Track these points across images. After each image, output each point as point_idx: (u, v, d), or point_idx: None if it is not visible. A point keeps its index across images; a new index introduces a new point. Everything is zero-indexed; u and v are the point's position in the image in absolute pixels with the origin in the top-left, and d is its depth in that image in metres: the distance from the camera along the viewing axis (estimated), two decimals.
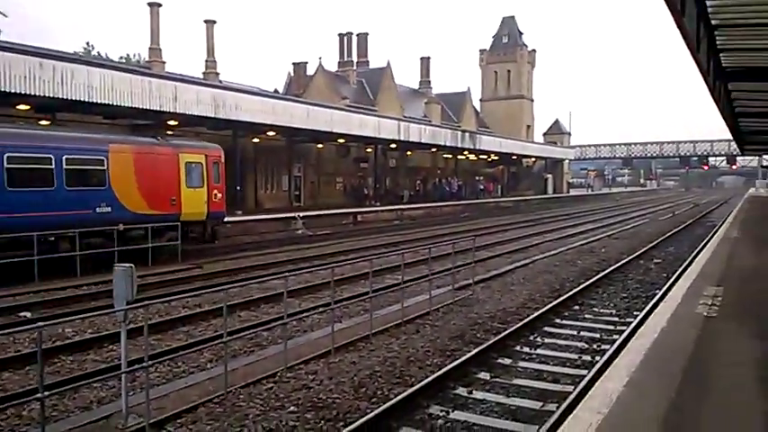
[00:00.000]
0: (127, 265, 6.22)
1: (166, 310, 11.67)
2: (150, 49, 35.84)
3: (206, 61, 39.30)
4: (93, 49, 63.57)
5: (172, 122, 24.40)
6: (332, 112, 30.36)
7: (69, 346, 9.46)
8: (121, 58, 60.05)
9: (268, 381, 7.69)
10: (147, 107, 20.56)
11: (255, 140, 30.47)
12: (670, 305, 7.85)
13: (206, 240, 19.80)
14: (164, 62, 35.34)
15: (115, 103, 19.74)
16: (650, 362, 5.32)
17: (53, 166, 15.27)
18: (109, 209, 16.44)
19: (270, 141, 32.19)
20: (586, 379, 7.42)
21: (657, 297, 9.87)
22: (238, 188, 27.28)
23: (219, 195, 19.75)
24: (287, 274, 9.56)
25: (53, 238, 15.24)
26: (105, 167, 16.41)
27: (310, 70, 52.21)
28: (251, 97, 25.57)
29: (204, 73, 38.52)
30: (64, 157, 15.48)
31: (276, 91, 50.19)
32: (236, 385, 7.41)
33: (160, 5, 35.13)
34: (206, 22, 39.25)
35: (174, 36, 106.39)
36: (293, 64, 54.16)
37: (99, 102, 19.27)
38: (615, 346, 8.60)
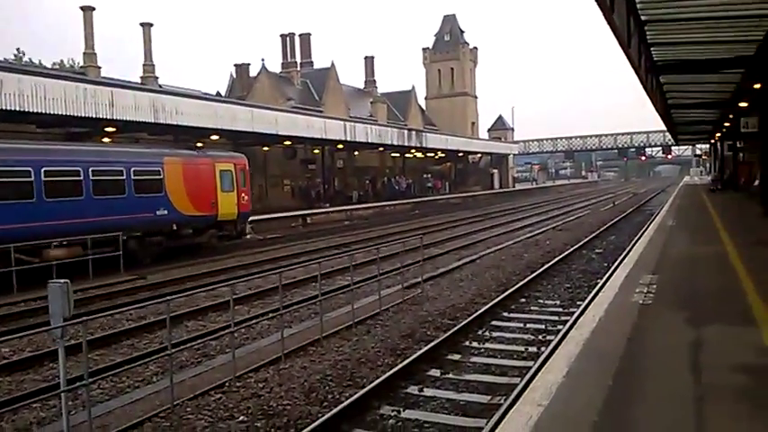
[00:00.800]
0: (62, 281, 6.00)
1: (110, 323, 11.31)
2: (85, 54, 34.76)
3: (144, 65, 38.33)
4: (24, 55, 61.03)
5: (110, 129, 23.69)
6: (276, 114, 30.05)
7: (7, 366, 9.07)
8: (55, 64, 57.93)
9: (216, 391, 7.55)
10: (83, 114, 19.87)
11: (199, 145, 29.84)
12: (608, 294, 8.13)
13: (236, 236, 23.13)
14: (99, 67, 34.32)
15: (48, 112, 19.00)
16: (588, 352, 5.50)
17: (125, 177, 18.50)
18: (166, 212, 19.72)
19: (214, 146, 31.61)
20: (532, 370, 7.60)
21: (598, 287, 10.19)
22: None
23: (246, 197, 23.02)
24: (234, 281, 9.41)
25: (125, 237, 17.80)
26: (162, 177, 19.65)
27: (253, 72, 51.63)
28: (191, 101, 25.02)
29: (142, 77, 37.56)
30: (132, 170, 18.70)
31: (218, 93, 49.37)
32: (183, 398, 7.25)
33: (93, 9, 34.04)
34: (142, 25, 38.30)
35: (110, 40, 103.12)
36: (235, 65, 53.51)
37: (31, 111, 18.50)
38: (559, 336, 8.84)
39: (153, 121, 22.14)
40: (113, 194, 18.07)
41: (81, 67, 36.92)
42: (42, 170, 16.11)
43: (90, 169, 17.44)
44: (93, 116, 20.28)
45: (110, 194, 17.97)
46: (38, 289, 12.48)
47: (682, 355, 5.48)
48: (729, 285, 8.61)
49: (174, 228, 20.12)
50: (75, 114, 19.68)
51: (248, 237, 24.92)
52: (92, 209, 17.23)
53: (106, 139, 24.58)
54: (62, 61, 59.84)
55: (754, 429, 4.04)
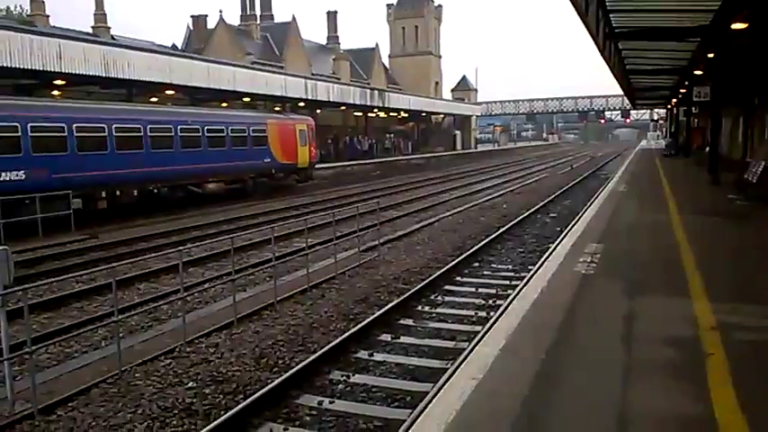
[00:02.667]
0: (1, 248, 5.84)
1: (59, 285, 11.08)
2: (32, 1, 32.92)
3: (95, 14, 36.64)
4: None
5: (59, 82, 22.75)
6: (235, 70, 29.25)
7: None
8: (0, 11, 54.82)
9: (166, 357, 7.55)
10: (29, 67, 18.97)
11: (153, 100, 28.95)
12: (553, 264, 8.34)
13: (307, 179, 30.69)
14: (47, 16, 32.71)
15: None
16: (527, 324, 5.67)
17: (247, 135, 26.15)
18: (269, 160, 27.36)
19: (170, 101, 30.73)
20: (479, 335, 7.82)
21: (545, 256, 10.43)
22: None
23: (314, 150, 30.88)
24: (183, 247, 9.30)
25: (245, 179, 26.43)
26: (266, 135, 27.21)
27: (211, 24, 49.98)
28: (144, 54, 24.07)
29: (93, 27, 35.99)
30: (251, 128, 26.43)
31: (174, 46, 47.76)
32: (132, 363, 7.24)
33: None
34: None
35: None
36: (192, 17, 51.73)
37: None
38: (500, 309, 9.07)
39: (104, 74, 21.30)
40: (241, 147, 25.69)
41: (28, 15, 35.09)
42: (206, 128, 23.95)
43: (229, 128, 25.12)
44: (41, 69, 19.39)
45: (239, 147, 25.50)
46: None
47: (615, 327, 5.69)
48: (670, 256, 8.91)
49: (273, 172, 27.99)
50: (21, 67, 18.78)
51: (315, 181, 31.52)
52: (230, 157, 24.86)
53: (55, 93, 23.85)
54: (8, 8, 56.69)
55: (675, 401, 4.27)
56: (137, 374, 7.02)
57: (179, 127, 22.66)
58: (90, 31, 35.90)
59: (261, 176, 27.28)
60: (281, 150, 28.02)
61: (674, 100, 42.40)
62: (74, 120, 18.86)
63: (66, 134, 18.50)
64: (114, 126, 20.08)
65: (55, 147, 18.17)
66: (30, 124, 17.51)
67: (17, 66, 18.61)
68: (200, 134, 23.59)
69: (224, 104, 31.44)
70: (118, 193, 20.68)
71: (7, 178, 16.69)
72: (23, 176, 17.03)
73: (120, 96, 26.47)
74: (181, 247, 8.94)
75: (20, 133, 17.23)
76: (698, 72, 23.70)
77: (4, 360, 6.11)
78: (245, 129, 26.16)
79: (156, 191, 22.24)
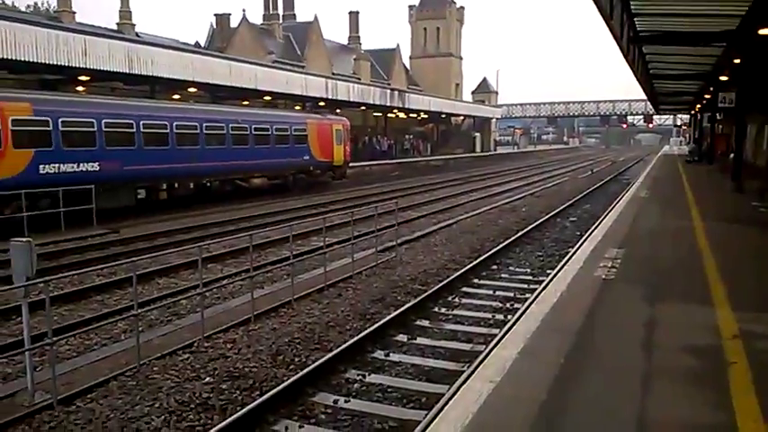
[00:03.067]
0: (25, 240, 5.94)
1: (80, 278, 11.23)
2: None
3: (120, 11, 37.09)
4: None
5: (83, 78, 23.06)
6: (256, 68, 29.41)
7: None
8: (29, 7, 55.85)
9: (184, 351, 7.61)
10: (55, 62, 19.27)
11: (176, 97, 29.25)
12: (573, 268, 8.26)
13: (341, 177, 32.56)
14: (74, 12, 33.20)
15: (19, 58, 18.39)
16: (546, 327, 5.62)
17: (289, 133, 27.78)
18: (308, 157, 29.09)
19: (193, 98, 31.02)
20: (497, 337, 7.77)
21: (565, 260, 10.35)
22: None
23: (348, 150, 32.89)
24: (202, 243, 9.37)
25: (286, 175, 28.36)
26: (306, 134, 28.99)
27: (234, 23, 50.29)
28: (167, 51, 24.32)
29: (119, 24, 36.44)
30: (293, 128, 28.19)
31: (198, 44, 48.22)
32: (150, 357, 7.31)
33: None
34: None
35: None
36: (215, 15, 52.01)
37: (1, 57, 17.89)
38: (519, 312, 9.02)
39: (127, 71, 21.56)
40: (284, 145, 27.32)
41: (55, 11, 35.63)
42: (253, 127, 25.51)
43: (274, 127, 26.81)
44: (66, 64, 19.69)
45: (282, 145, 27.18)
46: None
47: (636, 334, 5.62)
48: (693, 263, 8.78)
49: (311, 169, 29.64)
50: (47, 62, 19.09)
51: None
52: (274, 154, 26.60)
53: (80, 88, 24.12)
54: (36, 4, 57.72)
55: (696, 409, 4.20)
56: (155, 368, 7.08)
57: (230, 125, 24.48)
58: (115, 27, 36.38)
59: (300, 173, 29.11)
60: (318, 149, 29.92)
61: (698, 105, 41.84)
62: (141, 117, 20.54)
63: (134, 130, 20.21)
64: (175, 124, 21.75)
65: (125, 142, 19.91)
66: (104, 120, 19.18)
67: (43, 61, 18.92)
68: (248, 132, 25.46)
69: (245, 102, 32.15)
70: (176, 185, 22.49)
71: (84, 169, 18.39)
72: (98, 168, 18.79)
73: (143, 93, 26.80)
74: (200, 243, 8.99)
75: (95, 129, 18.92)
76: (723, 78, 23.35)
77: (25, 350, 6.21)
78: (288, 128, 27.99)
79: (208, 184, 24.27)
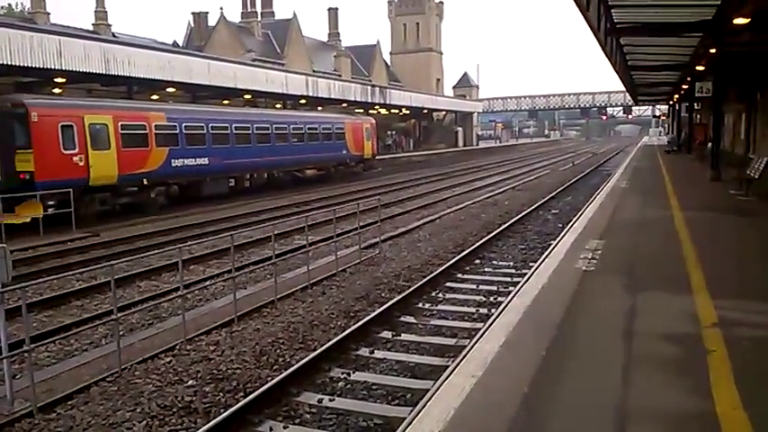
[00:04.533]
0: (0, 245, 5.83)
1: (60, 283, 11.08)
2: None
3: (96, 12, 36.61)
4: None
5: (59, 80, 22.76)
6: (235, 67, 29.23)
7: None
8: (2, 8, 54.80)
9: (166, 354, 7.53)
10: (29, 65, 18.98)
11: (154, 98, 28.96)
12: (554, 261, 8.30)
13: (370, 168, 37.62)
14: (48, 13, 32.69)
15: None
16: (527, 320, 5.64)
17: (331, 132, 33.00)
18: (345, 152, 34.28)
19: (171, 98, 30.73)
20: (480, 332, 7.79)
21: (546, 253, 10.40)
22: None
23: (374, 145, 38.13)
24: (182, 245, 9.28)
25: (329, 167, 33.36)
26: (344, 132, 34.15)
27: (212, 21, 49.88)
28: (144, 51, 24.08)
29: (94, 24, 35.99)
30: (335, 127, 33.35)
31: (176, 43, 47.75)
32: (132, 361, 7.22)
33: None
34: None
35: None
36: (193, 14, 51.63)
37: None
38: (502, 305, 9.05)
39: (104, 72, 21.31)
40: (328, 141, 32.61)
41: (29, 12, 35.05)
42: (306, 127, 30.87)
43: (321, 127, 32.27)
44: (41, 66, 19.40)
45: (326, 142, 32.49)
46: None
47: (616, 324, 5.65)
48: (672, 252, 8.87)
49: (348, 161, 34.79)
50: (21, 64, 18.79)
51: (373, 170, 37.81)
52: (322, 150, 31.85)
53: (57, 90, 23.77)
54: (9, 5, 56.69)
55: (675, 397, 4.24)
56: (137, 372, 7.00)
57: (291, 127, 29.76)
58: (91, 28, 35.88)
59: (339, 165, 34.19)
60: (353, 144, 35.00)
61: (677, 96, 42.30)
62: (234, 121, 25.85)
63: (228, 132, 25.21)
64: (255, 126, 26.99)
65: (223, 141, 24.85)
66: (210, 125, 24.21)
67: (18, 63, 18.64)
68: (303, 132, 30.58)
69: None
70: (254, 175, 28.14)
71: (199, 163, 23.32)
72: (207, 162, 23.69)
73: (120, 94, 26.49)
74: (180, 245, 8.90)
75: (205, 131, 23.84)
76: (700, 68, 23.59)
77: (3, 358, 6.11)
78: (331, 127, 33.17)
79: (276, 175, 29.52)
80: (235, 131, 25.52)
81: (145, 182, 20.88)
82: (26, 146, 17.50)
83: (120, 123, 20.02)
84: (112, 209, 20.02)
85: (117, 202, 20.18)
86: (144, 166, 20.86)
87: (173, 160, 22.00)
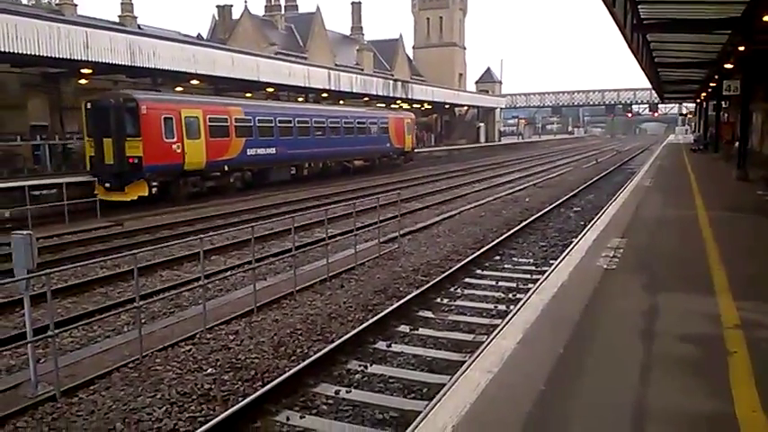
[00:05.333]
0: (25, 232, 5.96)
1: (83, 271, 11.27)
2: None
3: (122, 4, 37.00)
4: None
5: (85, 71, 23.08)
6: (258, 60, 29.33)
7: None
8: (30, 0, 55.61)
9: (186, 343, 7.65)
10: (57, 55, 19.26)
11: (179, 89, 29.20)
12: (574, 258, 8.23)
13: (409, 160, 40.40)
14: (75, 5, 33.09)
15: (21, 52, 18.38)
16: (546, 317, 5.61)
17: (377, 126, 36.00)
18: (388, 145, 37.24)
19: (195, 90, 30.99)
20: (498, 329, 7.77)
21: (567, 250, 10.31)
22: None
23: (414, 139, 40.99)
24: (204, 236, 9.38)
25: (374, 158, 36.63)
26: (387, 126, 37.11)
27: (236, 14, 50.11)
28: (169, 44, 24.26)
29: (120, 16, 36.36)
30: (380, 121, 36.56)
31: (200, 36, 48.12)
32: (153, 348, 7.34)
33: None
34: None
35: None
36: (217, 7, 51.78)
37: (2, 50, 17.89)
38: (521, 302, 9.01)
39: (129, 63, 21.54)
40: (373, 135, 35.57)
41: (56, 4, 35.53)
42: (357, 122, 33.94)
43: (368, 121, 35.36)
44: (68, 57, 19.68)
45: (372, 135, 35.45)
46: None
47: (636, 323, 5.60)
48: (695, 252, 8.74)
49: (391, 154, 37.88)
50: (49, 55, 19.08)
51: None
52: (364, 143, 34.60)
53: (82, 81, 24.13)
54: None
55: (694, 398, 4.19)
56: (157, 360, 7.12)
57: (343, 121, 32.58)
58: (117, 20, 36.30)
59: (383, 157, 37.33)
60: (396, 138, 37.95)
61: (704, 94, 41.53)
62: (295, 116, 28.82)
63: (291, 125, 28.13)
64: (313, 120, 30.12)
65: (287, 134, 27.75)
66: (278, 118, 27.19)
67: (45, 54, 18.91)
68: (353, 126, 33.55)
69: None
70: (312, 165, 30.67)
71: (268, 152, 26.24)
72: (275, 151, 26.60)
73: (144, 85, 26.78)
74: (201, 236, 9.01)
75: (272, 124, 26.71)
76: (728, 65, 23.13)
77: (27, 342, 6.24)
78: (377, 122, 36.33)
79: (329, 165, 32.45)
80: (297, 125, 28.49)
81: (226, 168, 23.89)
82: (135, 134, 20.19)
83: (208, 116, 22.84)
84: (201, 191, 22.80)
85: (204, 185, 22.96)
86: (225, 154, 23.80)
87: (248, 149, 24.96)
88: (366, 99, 42.09)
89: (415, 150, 41.97)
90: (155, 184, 20.58)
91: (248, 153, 25.02)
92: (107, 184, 19.81)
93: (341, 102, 39.87)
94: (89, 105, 20.97)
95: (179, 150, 21.43)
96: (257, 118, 25.79)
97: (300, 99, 36.91)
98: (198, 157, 22.32)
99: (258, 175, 26.03)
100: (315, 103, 36.68)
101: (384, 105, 42.90)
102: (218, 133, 23.37)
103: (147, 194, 20.08)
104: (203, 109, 22.89)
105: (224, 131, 23.74)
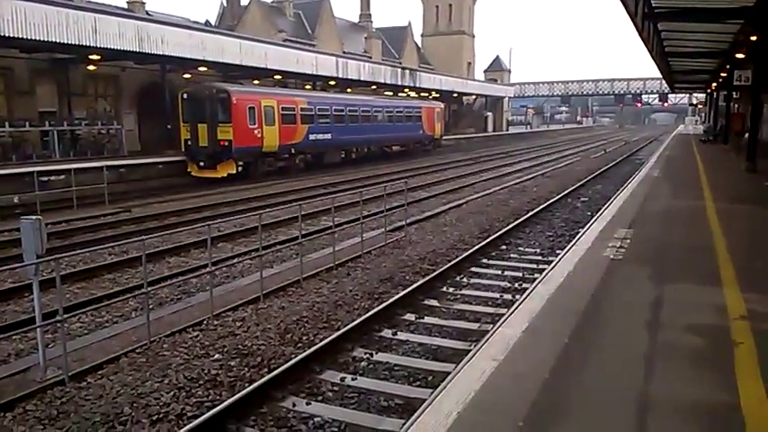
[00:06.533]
0: (34, 217, 6.00)
1: (92, 257, 11.37)
2: None
3: None
4: None
5: (94, 57, 23.09)
6: (266, 47, 29.22)
7: None
8: None
9: (194, 329, 7.70)
10: (65, 41, 19.28)
11: (186, 76, 29.20)
12: (581, 248, 8.22)
13: (438, 147, 44.05)
14: None
15: (30, 37, 18.42)
16: (552, 307, 5.62)
17: (412, 114, 39.52)
18: (421, 132, 40.79)
19: (203, 78, 30.98)
20: (503, 317, 7.78)
21: (574, 240, 10.30)
22: (169, 126, 26.30)
23: (442, 126, 44.89)
24: (211, 222, 9.40)
25: (409, 144, 39.85)
26: (420, 115, 40.59)
27: (244, 1, 49.87)
28: (178, 30, 24.22)
29: (129, 2, 36.30)
30: (415, 110, 39.97)
31: (208, 23, 47.96)
32: (160, 334, 7.41)
33: None
34: None
35: None
36: None
37: (12, 36, 17.93)
38: (532, 286, 9.00)
39: (137, 50, 21.54)
40: (407, 123, 38.77)
41: None
42: (395, 111, 37.69)
43: (405, 111, 38.79)
44: (76, 43, 19.70)
45: (404, 123, 38.55)
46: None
47: (641, 313, 5.59)
48: (702, 243, 8.71)
49: (423, 140, 41.42)
50: (58, 41, 19.11)
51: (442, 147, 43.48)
52: (401, 130, 38.13)
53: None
54: None
55: (699, 389, 4.20)
56: (165, 345, 7.18)
57: (384, 110, 36.36)
58: (125, 6, 36.25)
59: (416, 143, 40.67)
60: (428, 126, 41.46)
61: (714, 84, 41.14)
62: (347, 105, 32.42)
63: (344, 114, 31.61)
64: (361, 109, 33.56)
65: (340, 121, 31.09)
66: (333, 107, 30.69)
67: (54, 40, 18.94)
68: (392, 115, 37.21)
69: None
70: (358, 149, 33.76)
71: (324, 137, 29.52)
72: (330, 137, 30.01)
73: (153, 71, 26.78)
74: (209, 222, 9.04)
75: (329, 113, 30.21)
76: (740, 55, 22.89)
77: (37, 327, 6.31)
78: (412, 111, 39.82)
79: (372, 149, 35.36)
80: (348, 113, 31.93)
81: (292, 150, 27.35)
82: (226, 121, 23.57)
83: (281, 106, 26.35)
84: (273, 169, 26.16)
85: (276, 164, 26.40)
86: (293, 139, 27.29)
87: (310, 135, 28.39)
88: (374, 87, 41.98)
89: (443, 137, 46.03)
90: (240, 163, 24.01)
91: (310, 138, 28.39)
92: (201, 164, 23.51)
93: (348, 90, 39.78)
94: (185, 96, 24.27)
95: (259, 135, 24.87)
96: (317, 107, 29.23)
97: (308, 87, 36.87)
98: (273, 141, 25.76)
99: (316, 157, 29.50)
100: (322, 90, 36.65)
101: (392, 93, 44.22)
102: (288, 120, 26.81)
103: (234, 172, 23.64)
104: (277, 100, 26.48)
105: (292, 119, 27.16)
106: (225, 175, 23.40)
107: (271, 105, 25.65)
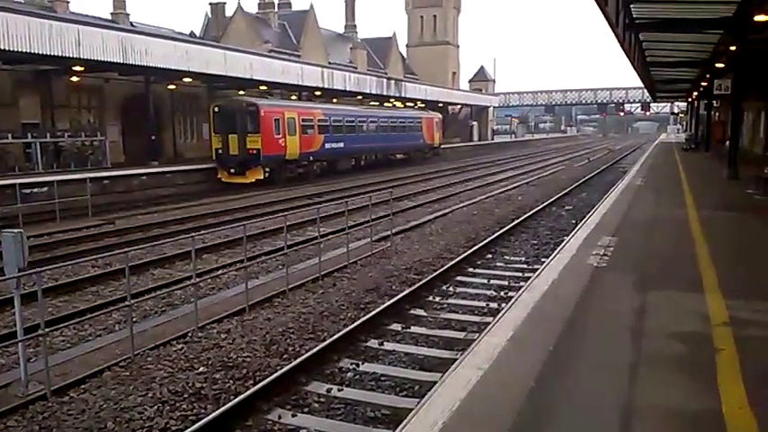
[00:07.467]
0: (16, 230, 5.93)
1: (75, 270, 11.23)
2: None
3: (114, 1, 36.80)
4: None
5: (77, 68, 22.97)
6: (251, 58, 29.27)
7: None
8: None
9: (178, 341, 7.63)
10: (48, 53, 19.17)
11: (171, 87, 29.14)
12: (565, 256, 8.27)
13: (436, 155, 46.68)
14: (67, 2, 32.89)
15: (13, 49, 18.29)
16: (536, 315, 5.64)
17: (413, 125, 42.85)
18: (421, 141, 43.87)
19: (187, 88, 30.90)
20: (489, 326, 7.79)
21: (558, 249, 10.37)
22: (153, 137, 26.17)
23: (441, 136, 47.88)
24: (195, 234, 9.35)
25: (410, 152, 42.80)
26: (421, 125, 43.68)
27: (229, 12, 49.94)
28: (162, 41, 24.19)
29: (113, 14, 36.20)
30: (416, 121, 43.47)
31: (193, 34, 47.90)
32: (144, 347, 7.33)
33: None
34: None
35: None
36: (210, 4, 51.50)
37: None
38: (512, 301, 9.03)
39: (121, 61, 21.46)
40: (409, 132, 41.86)
41: (49, 1, 35.26)
42: (399, 121, 40.65)
43: (407, 121, 41.94)
44: (60, 55, 19.59)
45: (407, 132, 41.61)
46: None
47: (625, 321, 5.63)
48: (685, 250, 8.80)
49: (423, 149, 44.37)
50: (41, 52, 18.98)
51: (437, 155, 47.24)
52: (404, 139, 41.13)
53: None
54: None
55: (682, 396, 4.23)
56: (149, 358, 7.11)
57: (390, 121, 39.45)
58: (109, 17, 36.13)
59: (417, 151, 43.59)
60: (427, 135, 44.50)
61: (695, 93, 41.75)
62: (357, 117, 35.56)
63: (354, 124, 34.62)
64: (369, 120, 36.76)
65: (351, 131, 34.11)
66: (346, 119, 33.74)
67: (37, 51, 18.82)
68: (397, 125, 40.17)
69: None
70: (366, 157, 36.46)
71: (337, 146, 32.18)
72: (342, 146, 32.79)
73: (137, 83, 26.67)
74: (193, 234, 8.99)
75: (342, 124, 33.03)
76: (719, 65, 23.29)
77: (18, 341, 6.22)
78: (413, 121, 42.98)
79: (378, 157, 37.93)
80: (358, 124, 35.03)
81: (311, 158, 29.95)
82: (255, 131, 26.17)
83: (301, 117, 29.12)
84: (293, 176, 28.57)
85: (297, 171, 28.95)
86: (312, 147, 29.98)
87: (326, 144, 31.12)
88: (360, 98, 42.14)
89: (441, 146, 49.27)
90: (267, 170, 26.55)
91: (326, 147, 31.12)
92: (231, 170, 25.93)
93: (334, 100, 39.89)
94: (216, 109, 26.91)
95: (283, 144, 27.54)
96: (332, 118, 32.04)
97: (294, 97, 36.90)
98: (294, 149, 28.49)
99: (330, 164, 31.91)
100: (308, 101, 36.73)
101: (378, 104, 45.55)
102: (307, 131, 29.67)
103: (262, 178, 26.21)
104: (298, 112, 29.36)
105: (311, 129, 30.01)
106: (253, 180, 25.86)
107: (293, 117, 28.38)
